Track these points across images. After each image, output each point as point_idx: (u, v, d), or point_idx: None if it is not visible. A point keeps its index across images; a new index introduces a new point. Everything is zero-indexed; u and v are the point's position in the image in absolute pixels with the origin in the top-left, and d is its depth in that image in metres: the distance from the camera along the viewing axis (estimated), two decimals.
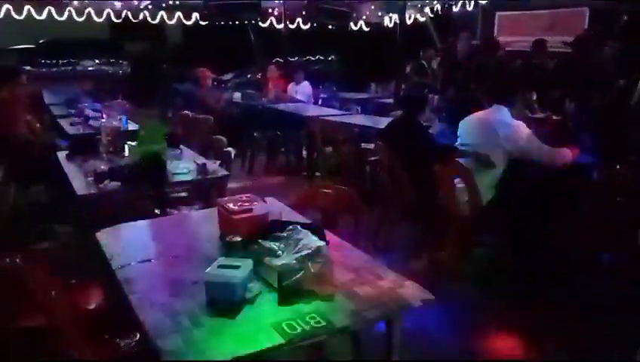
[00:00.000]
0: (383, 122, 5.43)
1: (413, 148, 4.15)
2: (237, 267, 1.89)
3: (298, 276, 1.91)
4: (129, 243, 2.48)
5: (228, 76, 12.17)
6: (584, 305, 3.38)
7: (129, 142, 4.05)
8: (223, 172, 3.78)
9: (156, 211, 3.45)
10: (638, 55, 6.15)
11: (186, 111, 6.61)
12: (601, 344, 3.05)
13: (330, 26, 14.01)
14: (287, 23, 11.67)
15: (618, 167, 3.53)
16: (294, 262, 1.94)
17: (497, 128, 3.81)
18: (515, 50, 8.51)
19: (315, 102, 8.85)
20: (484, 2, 10.46)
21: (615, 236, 3.36)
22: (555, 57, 6.98)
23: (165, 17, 12.06)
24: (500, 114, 3.89)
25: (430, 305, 1.89)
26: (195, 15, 12.29)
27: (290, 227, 2.17)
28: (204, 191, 3.79)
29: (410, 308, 1.91)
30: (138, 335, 2.15)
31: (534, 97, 5.08)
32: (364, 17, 12.95)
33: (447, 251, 3.96)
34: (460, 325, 3.33)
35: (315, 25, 13.41)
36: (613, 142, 3.97)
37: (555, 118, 5.00)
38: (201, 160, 3.85)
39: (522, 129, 3.80)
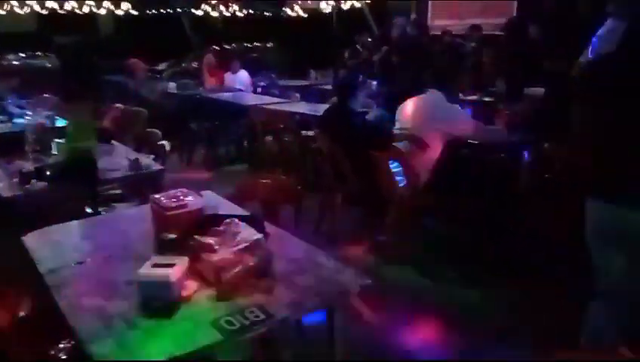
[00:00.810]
0: (323, 109, 5.42)
1: (349, 135, 4.18)
2: (172, 265, 1.83)
3: (236, 270, 1.88)
4: (58, 245, 2.36)
5: (162, 66, 11.79)
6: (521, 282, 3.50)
7: (57, 140, 3.87)
8: (157, 166, 3.68)
9: (88, 211, 3.31)
10: (565, 36, 6.37)
11: (118, 104, 6.37)
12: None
13: (266, 13, 13.85)
14: (222, 9, 11.45)
15: (546, 145, 3.66)
16: (232, 256, 1.91)
17: (433, 111, 3.90)
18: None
19: (254, 91, 8.74)
20: None
21: (547, 213, 3.49)
22: (487, 41, 7.16)
23: (94, 7, 11.59)
24: (435, 97, 3.98)
25: (370, 290, 1.91)
26: (127, 5, 11.87)
27: (228, 220, 2.12)
28: (139, 188, 3.66)
29: (349, 295, 1.92)
30: (71, 341, 2.06)
31: (467, 80, 5.22)
32: (300, 3, 12.88)
33: (387, 235, 4.02)
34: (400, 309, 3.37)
35: (251, 11, 13.23)
36: (541, 122, 4.11)
37: (486, 99, 5.15)
38: (133, 155, 3.73)
39: (457, 111, 3.90)
